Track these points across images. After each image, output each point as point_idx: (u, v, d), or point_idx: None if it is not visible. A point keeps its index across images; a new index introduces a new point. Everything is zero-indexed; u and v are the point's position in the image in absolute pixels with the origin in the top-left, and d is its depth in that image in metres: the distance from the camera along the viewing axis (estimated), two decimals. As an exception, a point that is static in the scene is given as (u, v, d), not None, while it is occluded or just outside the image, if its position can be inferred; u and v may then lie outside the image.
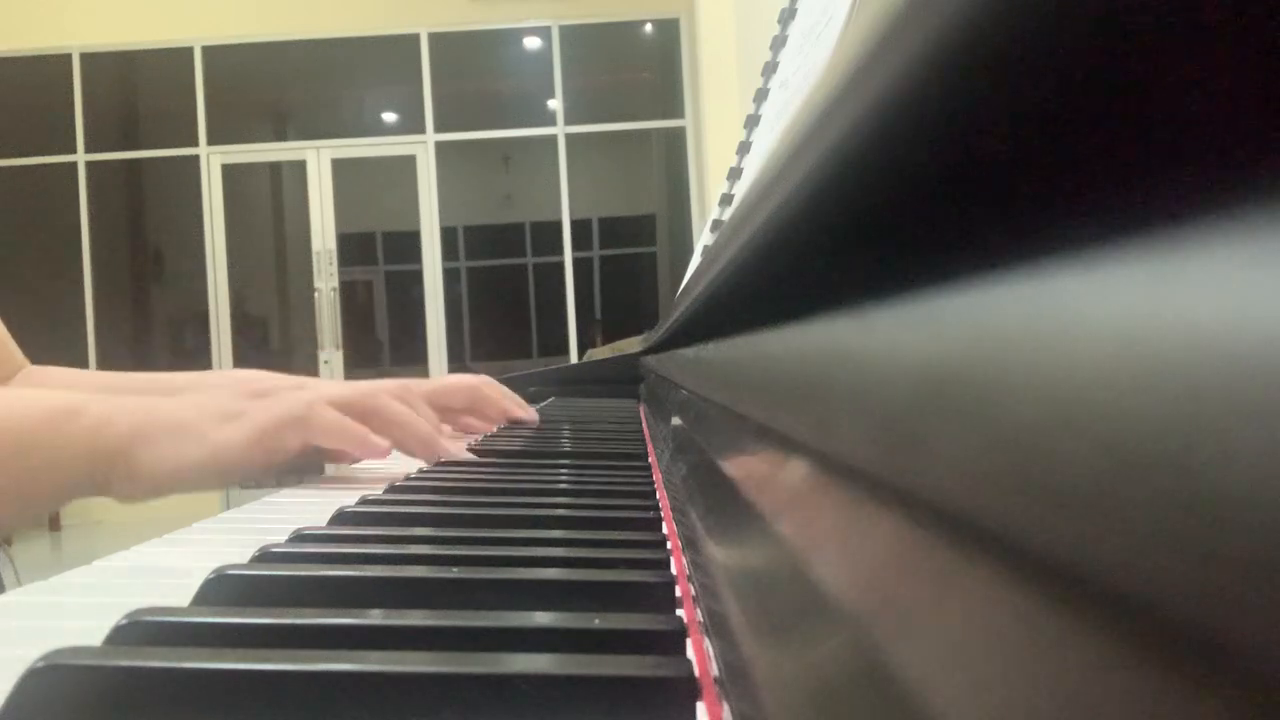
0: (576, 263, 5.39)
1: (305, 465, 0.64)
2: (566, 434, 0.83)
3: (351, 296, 5.50)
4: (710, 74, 3.99)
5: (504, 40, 5.43)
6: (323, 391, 0.61)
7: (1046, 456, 0.08)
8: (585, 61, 5.42)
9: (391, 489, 0.49)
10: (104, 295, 5.23)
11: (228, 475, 0.55)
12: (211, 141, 5.30)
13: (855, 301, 0.17)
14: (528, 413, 0.86)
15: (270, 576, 0.28)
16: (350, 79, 5.43)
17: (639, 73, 5.70)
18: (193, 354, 5.20)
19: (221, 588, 0.27)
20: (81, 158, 5.24)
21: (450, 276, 5.46)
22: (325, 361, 5.17)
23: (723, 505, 0.27)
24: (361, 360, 5.30)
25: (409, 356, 5.32)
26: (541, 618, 0.25)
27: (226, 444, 0.54)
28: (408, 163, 5.34)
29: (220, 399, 0.58)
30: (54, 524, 4.78)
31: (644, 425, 0.88)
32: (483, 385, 0.82)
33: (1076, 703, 0.07)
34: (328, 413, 0.58)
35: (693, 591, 0.27)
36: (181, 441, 0.53)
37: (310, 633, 0.23)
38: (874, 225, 0.19)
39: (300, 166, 5.38)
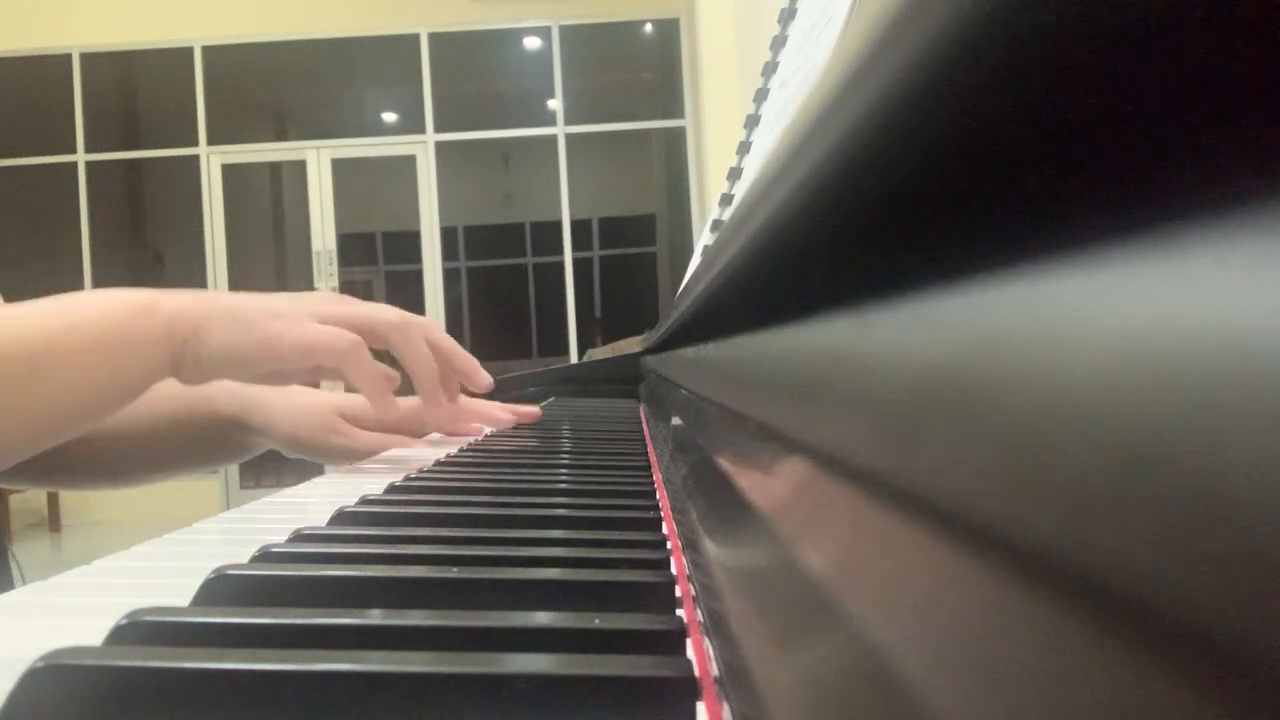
0: (576, 263, 5.39)
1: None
2: (566, 434, 0.83)
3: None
4: (710, 74, 3.99)
5: (504, 40, 5.43)
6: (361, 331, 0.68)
7: (1046, 456, 0.08)
8: (585, 61, 5.42)
9: (391, 489, 0.49)
10: (104, 295, 5.23)
11: (274, 362, 0.63)
12: (211, 141, 5.30)
13: (855, 301, 0.17)
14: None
15: (270, 576, 0.28)
16: (350, 79, 5.43)
17: (639, 73, 5.70)
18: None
19: (221, 588, 0.27)
20: (81, 158, 5.24)
21: (450, 276, 5.46)
22: (325, 361, 5.17)
23: (723, 505, 0.27)
24: (361, 360, 5.30)
25: (409, 356, 5.32)
26: (542, 618, 0.25)
27: (274, 338, 0.62)
28: (408, 163, 5.33)
29: (278, 302, 0.65)
30: (54, 524, 4.78)
31: (644, 425, 0.88)
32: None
33: (1075, 702, 0.07)
34: (365, 358, 0.65)
35: (693, 591, 0.27)
36: (239, 329, 0.61)
37: (310, 633, 0.23)
38: (873, 225, 0.19)
39: (300, 166, 5.38)
